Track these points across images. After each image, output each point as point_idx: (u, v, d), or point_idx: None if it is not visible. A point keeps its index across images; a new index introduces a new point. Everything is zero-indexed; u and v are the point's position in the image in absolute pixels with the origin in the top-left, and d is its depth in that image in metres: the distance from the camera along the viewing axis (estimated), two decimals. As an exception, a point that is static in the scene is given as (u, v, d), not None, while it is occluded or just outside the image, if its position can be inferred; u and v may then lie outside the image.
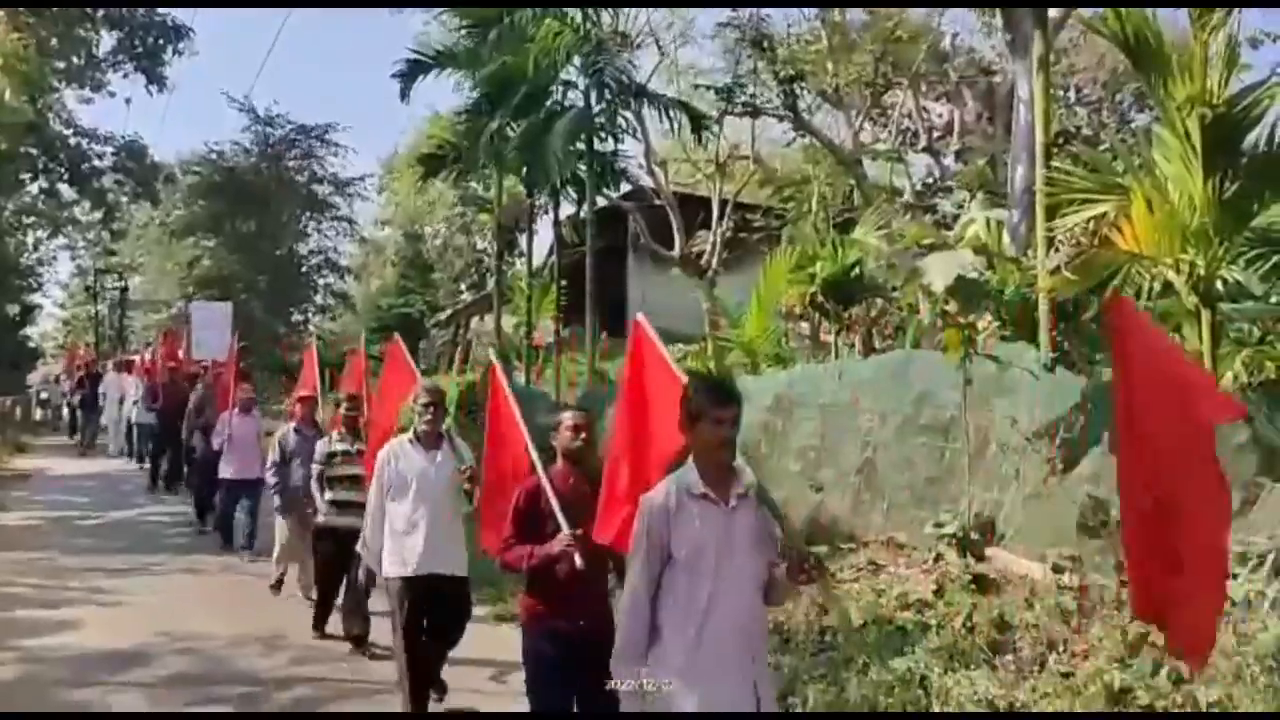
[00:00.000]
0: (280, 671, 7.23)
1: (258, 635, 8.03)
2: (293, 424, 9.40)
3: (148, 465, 18.01)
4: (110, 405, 21.29)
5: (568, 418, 4.77)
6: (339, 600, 8.00)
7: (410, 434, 6.14)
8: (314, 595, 8.37)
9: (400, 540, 5.99)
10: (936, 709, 5.61)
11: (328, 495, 7.64)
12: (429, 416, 6.06)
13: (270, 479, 9.31)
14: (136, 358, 22.69)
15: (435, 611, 6.05)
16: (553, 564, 4.54)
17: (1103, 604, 6.08)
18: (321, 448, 7.83)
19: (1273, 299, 7.68)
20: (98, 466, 19.80)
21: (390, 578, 6.03)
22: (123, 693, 6.70)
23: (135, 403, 18.44)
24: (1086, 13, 10.46)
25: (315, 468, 7.77)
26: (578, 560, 4.47)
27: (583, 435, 4.73)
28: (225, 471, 11.27)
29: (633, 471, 4.31)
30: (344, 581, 7.76)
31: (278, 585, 9.37)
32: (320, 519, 7.73)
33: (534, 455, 4.99)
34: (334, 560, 7.68)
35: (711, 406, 3.49)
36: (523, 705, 4.75)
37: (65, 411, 26.52)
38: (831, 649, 6.56)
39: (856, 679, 5.98)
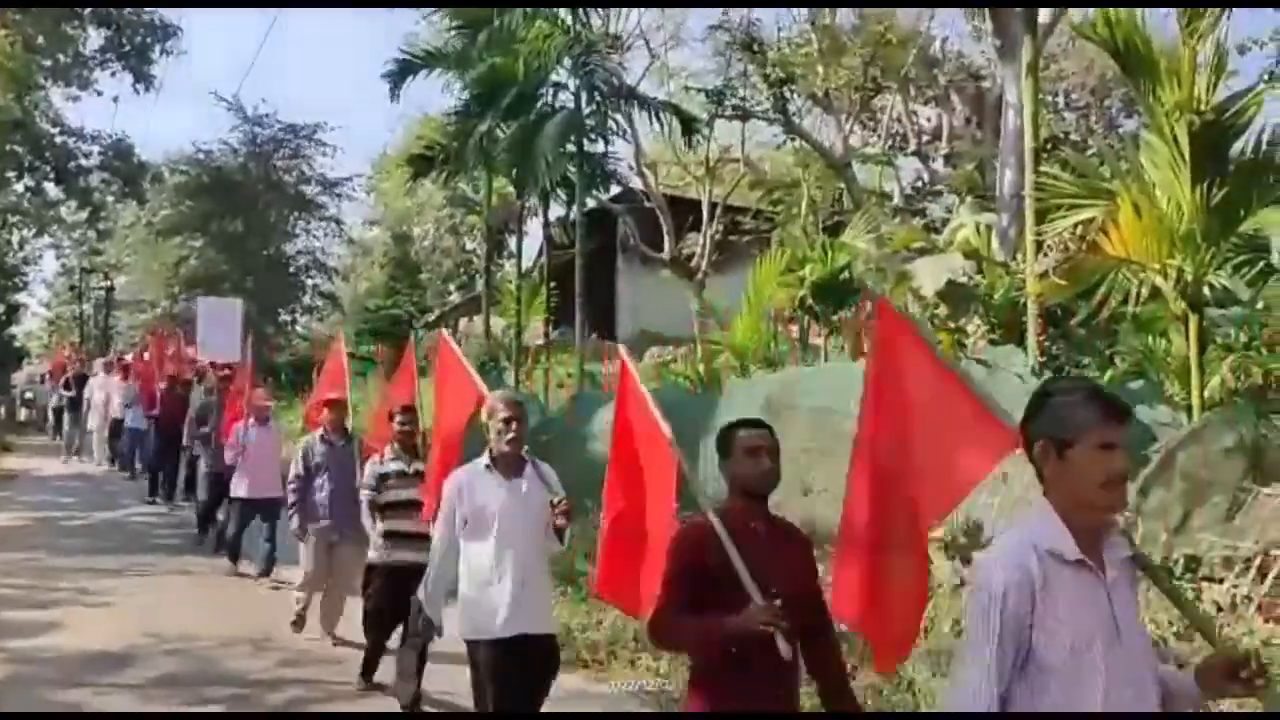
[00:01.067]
0: (270, 673, 7.21)
1: (248, 636, 8.01)
2: (319, 432, 8.15)
3: (131, 472, 17.62)
4: (95, 410, 19.57)
5: (747, 437, 3.46)
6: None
7: (485, 458, 4.86)
8: (336, 633, 7.90)
9: (483, 594, 4.70)
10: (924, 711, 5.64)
11: (380, 526, 6.56)
12: (511, 435, 4.76)
13: (290, 495, 8.04)
14: (130, 357, 21.79)
15: (520, 679, 4.78)
16: (741, 643, 3.23)
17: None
18: (372, 470, 6.69)
19: (1259, 304, 7.74)
20: (84, 468, 19.72)
21: (473, 641, 4.73)
22: (112, 693, 6.66)
23: (128, 407, 17.35)
24: (1076, 18, 10.53)
25: (365, 494, 6.66)
26: (782, 646, 3.18)
27: (766, 461, 3.43)
28: (239, 489, 10.14)
29: (888, 518, 3.05)
30: (398, 629, 6.59)
31: (300, 622, 8.07)
32: (372, 554, 6.64)
33: (701, 500, 3.59)
34: (388, 602, 6.56)
35: (1100, 422, 2.38)
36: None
37: (50, 413, 26.13)
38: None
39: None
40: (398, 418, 6.79)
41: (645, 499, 4.13)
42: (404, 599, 6.21)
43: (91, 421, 20.00)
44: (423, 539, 6.17)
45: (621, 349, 4.99)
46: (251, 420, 10.23)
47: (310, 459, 7.93)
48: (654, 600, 3.58)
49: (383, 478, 6.59)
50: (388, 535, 6.54)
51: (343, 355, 9.48)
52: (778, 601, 3.18)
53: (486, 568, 4.70)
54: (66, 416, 21.99)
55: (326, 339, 31.28)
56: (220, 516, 11.30)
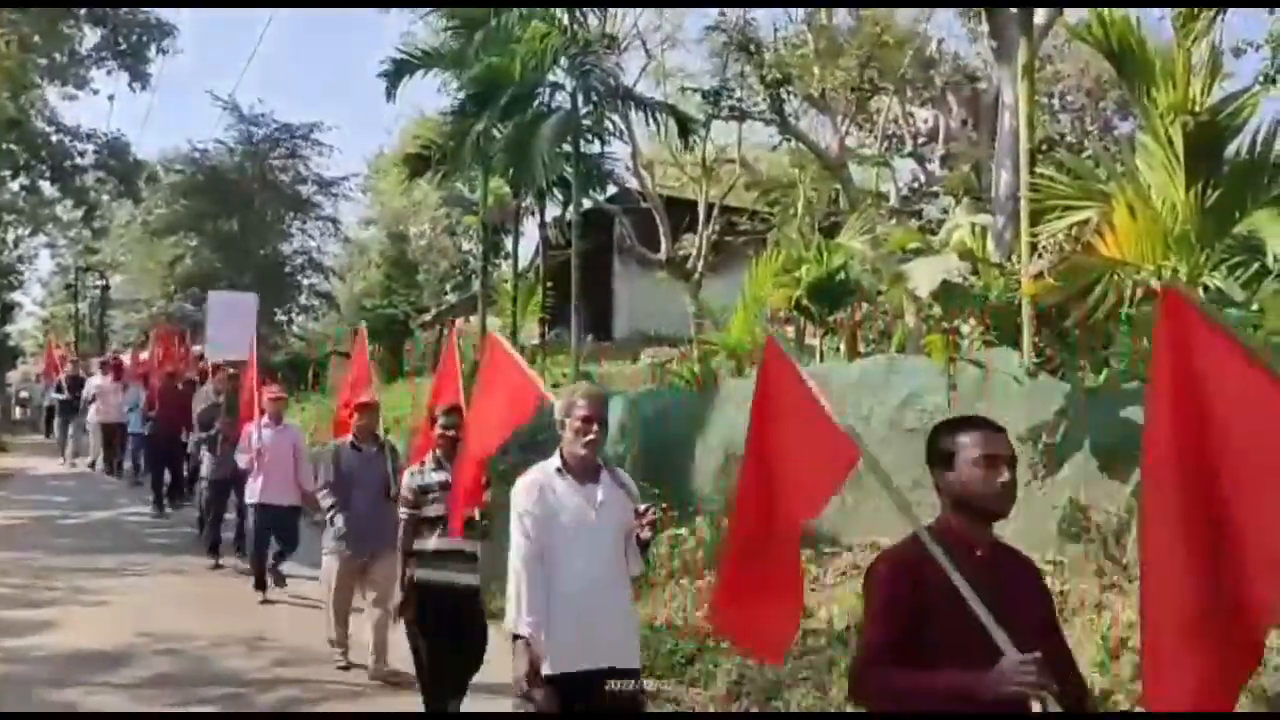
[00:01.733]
0: (265, 672, 7.22)
1: (241, 636, 8.01)
2: (349, 438, 7.50)
3: (122, 473, 17.57)
4: (93, 410, 18.87)
5: (980, 441, 2.76)
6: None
7: (556, 460, 4.16)
8: (390, 665, 7.00)
9: (547, 618, 3.97)
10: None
11: (425, 544, 5.77)
12: (589, 437, 4.08)
13: (324, 500, 7.32)
14: (126, 356, 21.53)
15: None
16: (984, 706, 2.51)
17: (1084, 608, 6.13)
18: (410, 481, 5.88)
19: (1253, 306, 7.76)
20: (79, 467, 19.68)
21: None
22: (106, 693, 6.67)
23: (130, 411, 16.58)
24: (1071, 20, 10.55)
25: (403, 512, 5.84)
26: (1052, 706, 2.46)
27: (1005, 473, 2.73)
28: (254, 495, 9.35)
29: (1207, 582, 2.31)
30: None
31: (344, 656, 7.42)
32: (416, 573, 5.78)
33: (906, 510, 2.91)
34: (437, 630, 5.73)
35: None
36: None
37: (43, 411, 25.98)
38: (814, 652, 6.59)
39: (840, 682, 6.01)
40: (440, 420, 6.01)
41: (778, 518, 3.35)
42: (456, 622, 5.72)
43: (90, 423, 19.49)
44: (472, 557, 5.81)
45: (771, 329, 3.83)
46: (265, 421, 9.48)
47: (341, 468, 7.29)
48: (778, 639, 3.12)
49: (424, 490, 5.81)
50: (434, 554, 5.74)
51: (365, 354, 8.83)
52: (1037, 655, 2.46)
53: (557, 588, 3.98)
54: (57, 420, 21.73)
55: (323, 338, 31.33)
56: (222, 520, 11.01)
